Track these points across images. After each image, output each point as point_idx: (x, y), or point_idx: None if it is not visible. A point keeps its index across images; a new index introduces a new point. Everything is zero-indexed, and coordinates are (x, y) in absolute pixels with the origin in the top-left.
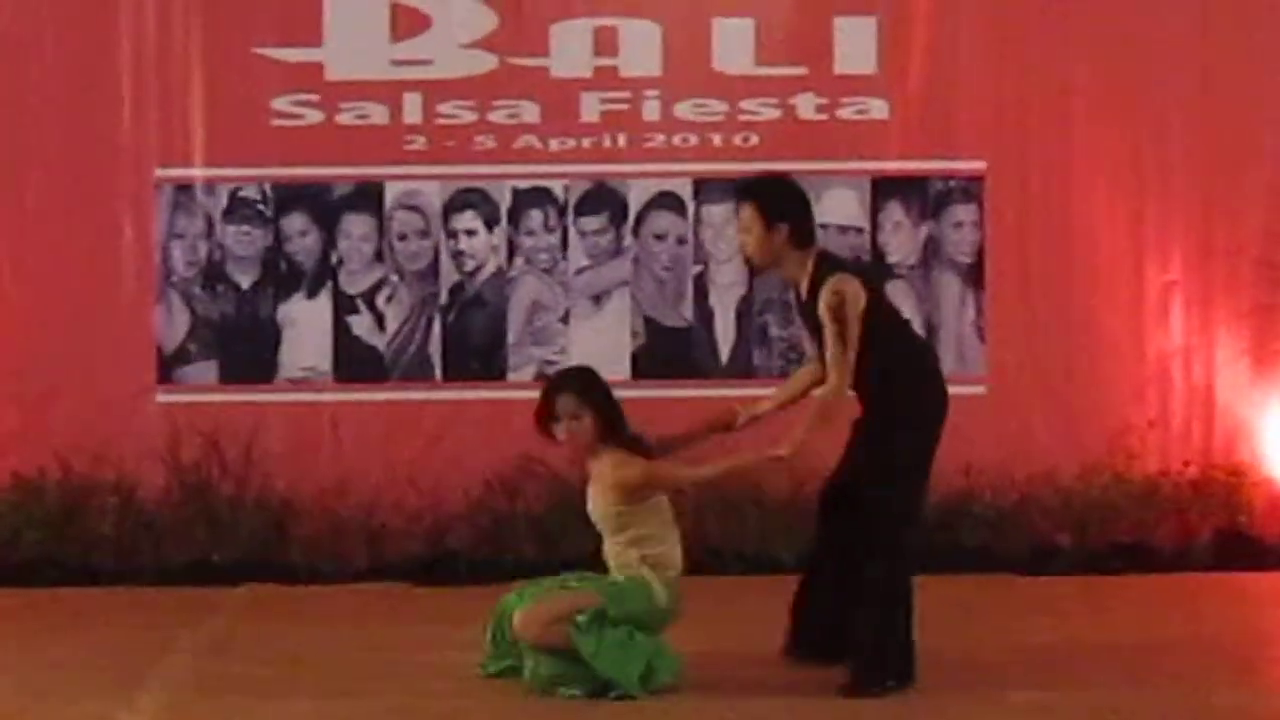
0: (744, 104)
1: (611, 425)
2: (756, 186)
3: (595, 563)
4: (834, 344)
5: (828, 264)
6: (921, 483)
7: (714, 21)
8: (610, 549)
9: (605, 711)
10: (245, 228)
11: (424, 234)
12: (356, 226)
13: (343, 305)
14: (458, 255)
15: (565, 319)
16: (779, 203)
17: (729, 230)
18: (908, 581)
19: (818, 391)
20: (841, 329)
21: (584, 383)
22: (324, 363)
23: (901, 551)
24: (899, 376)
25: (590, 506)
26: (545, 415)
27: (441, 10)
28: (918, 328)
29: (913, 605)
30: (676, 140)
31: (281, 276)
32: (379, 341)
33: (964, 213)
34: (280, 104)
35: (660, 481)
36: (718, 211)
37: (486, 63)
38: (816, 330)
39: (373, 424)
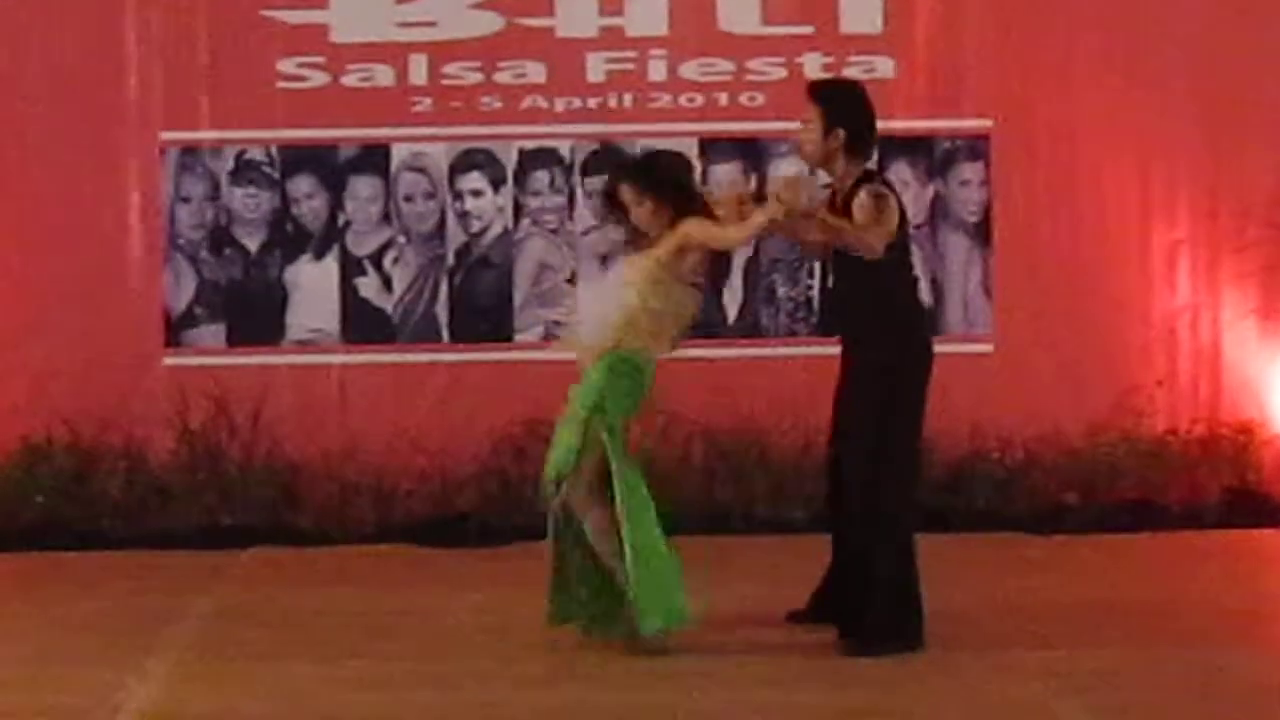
0: (750, 64)
1: (677, 208)
2: (826, 89)
3: None
4: (869, 220)
5: (872, 178)
6: (912, 436)
7: None
8: (618, 293)
9: (617, 668)
10: (252, 190)
11: (430, 195)
12: (363, 188)
13: (350, 267)
14: (464, 216)
15: (572, 279)
16: (842, 108)
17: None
18: (909, 541)
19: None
20: (875, 217)
21: (640, 171)
22: (331, 325)
23: (901, 508)
24: (892, 316)
25: (627, 270)
26: (616, 207)
27: None
28: (924, 287)
29: (915, 564)
30: (682, 100)
31: (288, 239)
32: (386, 303)
33: (970, 171)
34: (286, 66)
35: (716, 238)
36: (724, 171)
37: (492, 23)
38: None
39: (380, 386)
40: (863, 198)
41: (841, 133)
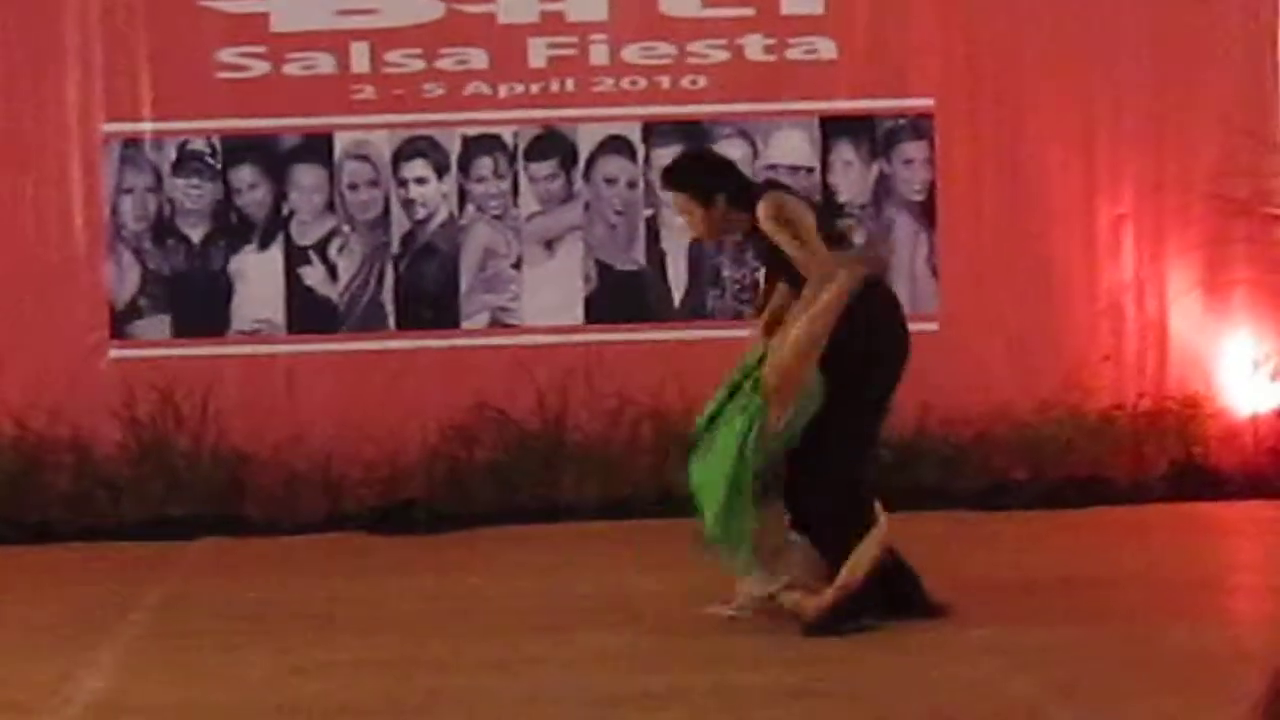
0: (691, 46)
1: (722, 202)
2: (679, 174)
3: (552, 510)
4: (794, 249)
5: (755, 197)
6: (875, 420)
7: None
8: None
9: (566, 652)
10: (194, 181)
11: (374, 183)
12: (306, 177)
13: (294, 256)
14: (408, 204)
15: (517, 265)
16: (706, 180)
17: None
18: (864, 517)
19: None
20: (795, 231)
21: (672, 174)
22: (277, 315)
23: (852, 486)
24: (857, 310)
25: None
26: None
27: None
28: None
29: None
30: (625, 84)
31: (232, 229)
32: (331, 292)
33: (914, 150)
34: (226, 56)
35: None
36: (667, 154)
37: (433, 10)
38: (772, 264)
39: (327, 375)
40: (763, 219)
41: (720, 198)
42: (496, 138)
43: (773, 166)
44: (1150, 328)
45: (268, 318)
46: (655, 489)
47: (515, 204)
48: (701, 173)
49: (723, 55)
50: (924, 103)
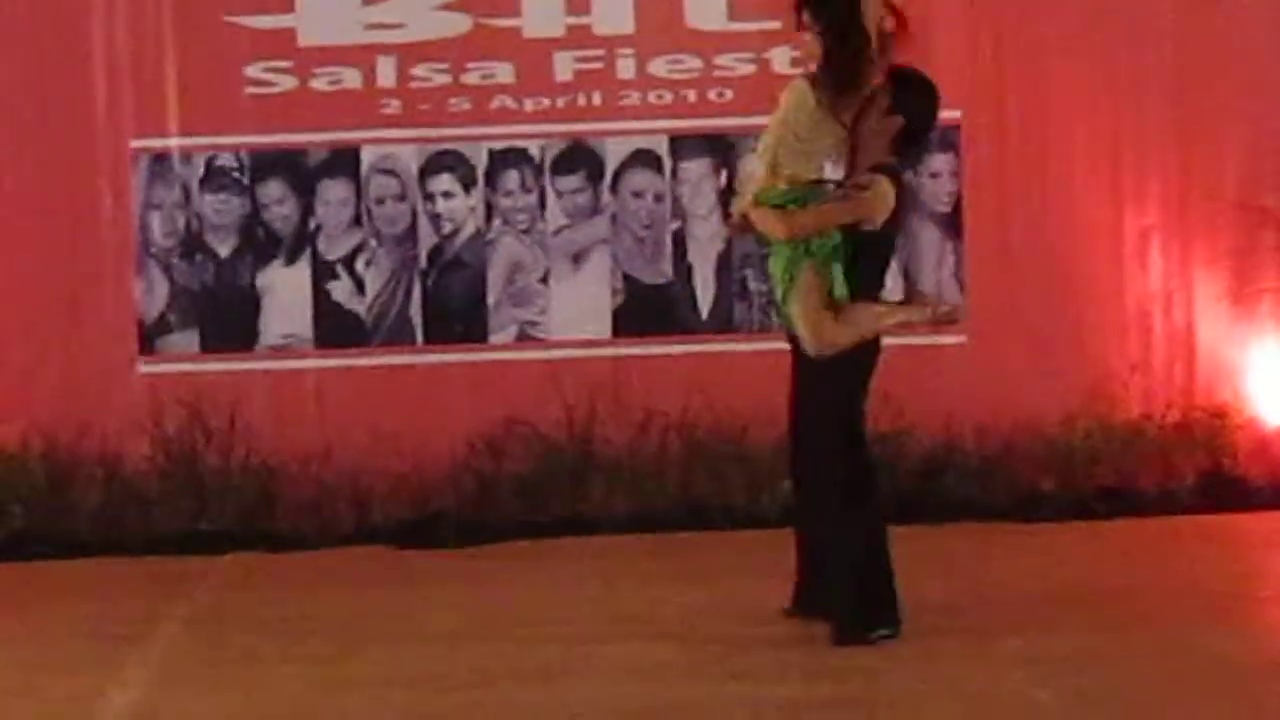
0: (718, 59)
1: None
2: (905, 72)
3: (580, 523)
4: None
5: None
6: (869, 369)
7: None
8: None
9: (596, 662)
10: (222, 196)
11: (401, 198)
12: (333, 192)
13: (322, 271)
14: (435, 218)
15: (545, 279)
16: (908, 95)
17: (706, 186)
18: (870, 521)
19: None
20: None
21: None
22: (305, 329)
23: (857, 488)
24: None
25: None
26: None
27: None
28: (898, 278)
29: (884, 547)
30: (651, 98)
31: (260, 244)
32: (359, 306)
33: (941, 162)
34: (253, 71)
35: None
36: (694, 168)
37: (459, 24)
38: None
39: (355, 389)
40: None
41: (898, 120)
42: (523, 151)
43: None
44: (1178, 338)
45: (296, 332)
46: (683, 502)
47: (542, 218)
48: (914, 88)
49: (749, 68)
50: (951, 115)
